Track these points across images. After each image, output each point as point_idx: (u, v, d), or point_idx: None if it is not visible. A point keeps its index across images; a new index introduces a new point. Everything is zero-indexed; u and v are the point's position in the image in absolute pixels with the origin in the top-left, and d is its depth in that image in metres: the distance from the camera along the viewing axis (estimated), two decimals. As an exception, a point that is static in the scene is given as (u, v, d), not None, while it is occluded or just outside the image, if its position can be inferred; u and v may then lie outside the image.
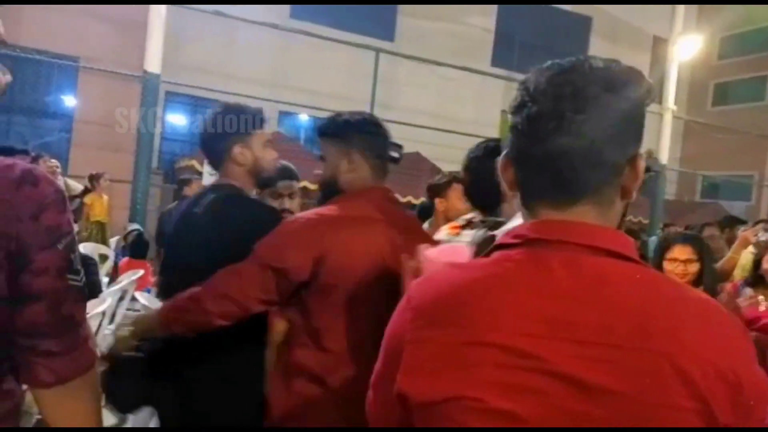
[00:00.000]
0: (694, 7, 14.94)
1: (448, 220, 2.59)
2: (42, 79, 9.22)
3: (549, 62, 0.78)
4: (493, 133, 11.24)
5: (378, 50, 9.30)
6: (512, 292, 0.71)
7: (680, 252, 2.57)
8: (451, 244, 1.79)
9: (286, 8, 11.67)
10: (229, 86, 9.47)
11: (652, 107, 13.35)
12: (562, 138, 0.72)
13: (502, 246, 0.77)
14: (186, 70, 9.55)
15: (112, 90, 8.63)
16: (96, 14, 8.84)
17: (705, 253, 2.60)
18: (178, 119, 11.91)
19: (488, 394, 0.67)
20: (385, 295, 1.36)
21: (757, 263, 2.80)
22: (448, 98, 12.45)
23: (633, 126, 0.75)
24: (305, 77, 11.26)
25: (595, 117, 0.71)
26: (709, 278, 2.57)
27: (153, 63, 7.23)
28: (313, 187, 9.64)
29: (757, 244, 2.97)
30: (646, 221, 11.05)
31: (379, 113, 8.70)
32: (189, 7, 8.56)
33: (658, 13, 13.43)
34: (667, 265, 2.58)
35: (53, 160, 7.04)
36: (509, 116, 0.78)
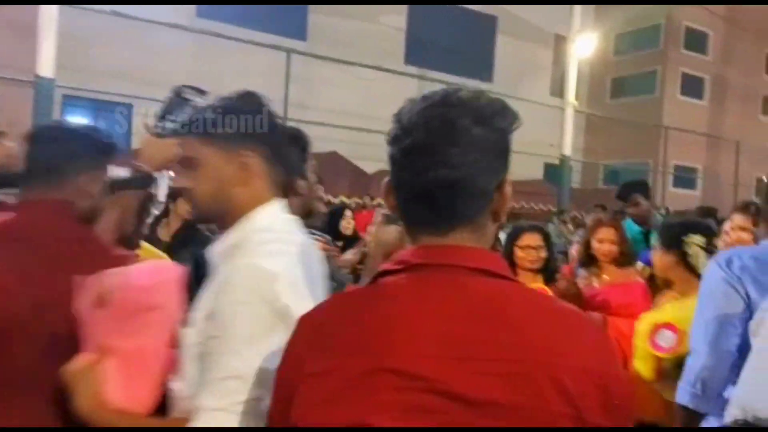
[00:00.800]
0: (591, 7, 15.86)
1: None
2: None
3: (420, 96, 0.82)
4: (409, 130, 11.44)
5: (289, 50, 9.20)
6: (402, 317, 0.74)
7: (530, 239, 2.76)
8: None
9: (192, 7, 11.30)
10: (138, 89, 9.05)
11: (555, 101, 14.10)
12: (437, 170, 0.76)
13: (386, 272, 0.80)
14: (89, 73, 9.03)
15: (4, 95, 8.01)
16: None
17: (549, 241, 2.84)
18: (79, 120, 11.24)
19: (387, 419, 0.70)
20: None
21: (587, 244, 2.98)
22: (364, 97, 12.52)
23: (501, 155, 0.80)
24: (218, 78, 10.95)
25: (467, 149, 0.76)
26: (553, 264, 2.87)
27: (46, 67, 6.78)
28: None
29: (589, 227, 3.22)
30: (554, 209, 11.64)
31: (294, 114, 8.70)
32: (82, 8, 8.09)
33: (559, 13, 14.14)
34: (519, 252, 2.74)
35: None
36: (388, 147, 0.82)
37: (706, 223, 2.26)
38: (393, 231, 2.02)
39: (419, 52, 14.26)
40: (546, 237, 2.84)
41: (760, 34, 18.47)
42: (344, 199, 10.70)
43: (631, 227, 3.76)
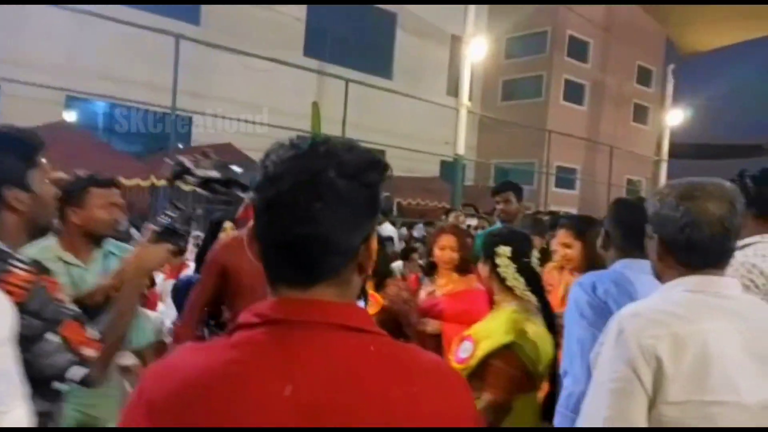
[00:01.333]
0: (484, 9, 16.53)
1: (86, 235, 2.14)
2: None
3: (289, 142, 0.77)
4: (307, 123, 11.30)
5: (179, 36, 8.71)
6: (257, 379, 0.70)
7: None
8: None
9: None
10: (15, 73, 8.22)
11: (450, 101, 14.54)
12: (300, 225, 0.73)
13: (242, 326, 0.76)
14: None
15: None
16: None
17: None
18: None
19: None
20: None
21: (429, 252, 3.04)
22: (261, 87, 12.20)
23: (369, 209, 0.77)
24: (102, 61, 10.20)
25: (331, 205, 0.73)
26: (386, 269, 3.19)
27: None
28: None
29: (431, 235, 3.40)
30: (449, 206, 12.03)
31: (185, 103, 8.28)
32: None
33: (455, 13, 14.59)
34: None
35: None
36: (252, 194, 0.78)
37: (522, 235, 2.21)
38: (161, 251, 1.62)
39: (319, 44, 14.14)
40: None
41: (633, 45, 20.19)
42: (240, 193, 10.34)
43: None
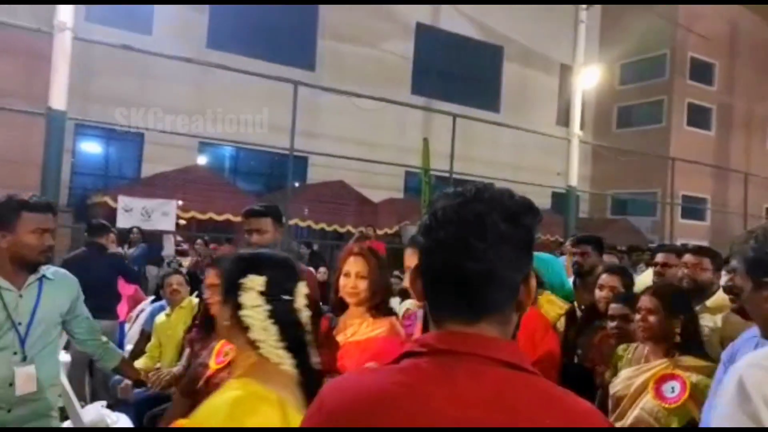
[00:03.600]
0: (595, 36, 16.08)
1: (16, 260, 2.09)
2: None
3: (453, 190, 0.88)
4: (415, 159, 11.48)
5: (296, 82, 9.31)
6: (422, 401, 0.77)
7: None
8: None
9: (202, 37, 11.53)
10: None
11: (560, 131, 14.12)
12: (469, 263, 0.81)
13: (409, 354, 0.84)
14: (99, 102, 9.17)
15: (17, 125, 8.15)
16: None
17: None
18: (91, 148, 11.40)
19: None
20: None
21: (336, 281, 2.45)
22: (371, 126, 12.63)
23: (526, 250, 0.85)
24: (225, 108, 11.10)
25: (495, 244, 0.81)
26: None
27: (58, 99, 6.90)
28: (222, 218, 9.45)
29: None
30: (562, 239, 11.59)
31: (301, 143, 8.77)
32: (97, 41, 8.27)
33: (563, 42, 14.31)
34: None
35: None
36: (420, 237, 0.87)
37: (284, 260, 1.39)
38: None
39: (426, 81, 14.42)
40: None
41: (762, 63, 18.58)
42: (351, 228, 10.70)
43: None
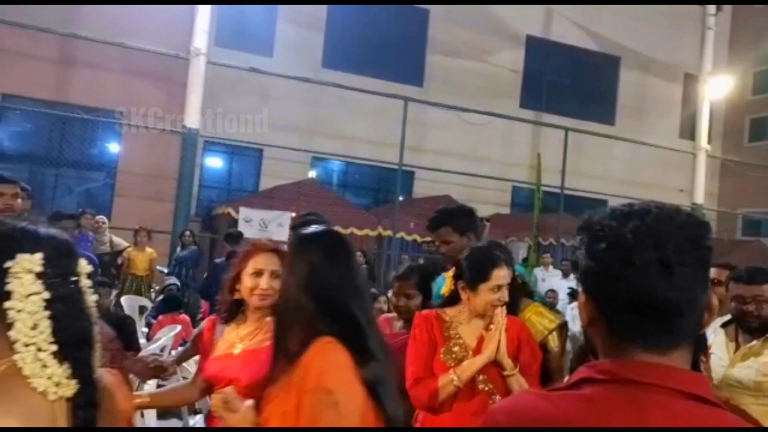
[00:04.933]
0: (724, 43, 14.92)
1: None
2: (88, 134, 9.70)
3: (619, 210, 0.83)
4: (523, 173, 11.27)
5: (406, 99, 9.54)
6: (608, 428, 0.74)
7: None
8: None
9: (317, 58, 12.12)
10: (267, 136, 9.84)
11: (684, 145, 13.21)
12: (668, 291, 0.77)
13: (588, 380, 0.80)
14: (224, 120, 9.94)
15: (154, 142, 9.02)
16: (140, 72, 9.33)
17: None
18: (216, 163, 12.34)
19: None
20: None
21: (233, 280, 2.17)
22: (477, 140, 12.58)
23: (708, 272, 0.82)
24: (338, 124, 11.57)
25: (691, 267, 0.78)
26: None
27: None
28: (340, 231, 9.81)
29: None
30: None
31: (409, 158, 8.95)
32: (226, 65, 9.00)
33: (687, 51, 13.44)
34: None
35: (100, 216, 7.34)
36: (585, 258, 0.82)
37: (61, 242, 1.07)
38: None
39: (535, 94, 14.12)
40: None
41: None
42: (456, 242, 10.66)
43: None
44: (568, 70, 14.60)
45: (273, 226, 9.10)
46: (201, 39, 7.63)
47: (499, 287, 2.17)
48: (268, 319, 1.87)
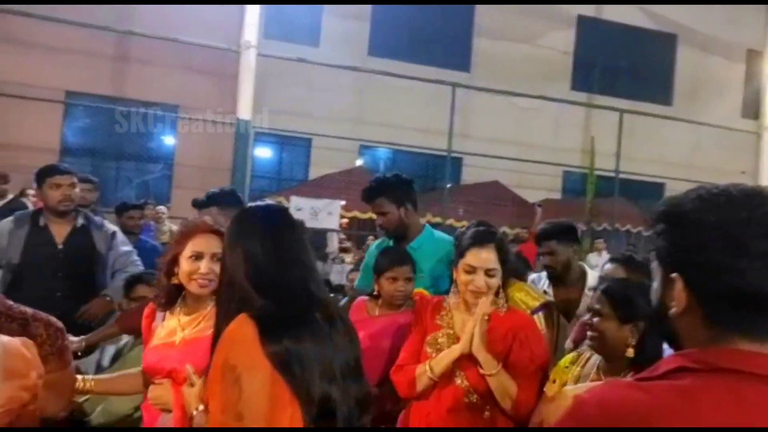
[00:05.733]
0: (791, 16, 14.09)
1: None
2: (145, 128, 10.09)
3: (716, 194, 0.80)
4: (574, 157, 11.02)
5: (454, 84, 9.46)
6: (707, 422, 0.71)
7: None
8: None
9: (364, 46, 12.14)
10: (315, 126, 9.96)
11: (748, 126, 12.62)
12: None
13: (682, 369, 0.77)
14: (273, 112, 10.12)
15: (207, 134, 9.29)
16: (193, 66, 9.61)
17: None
18: (266, 153, 12.59)
19: None
20: None
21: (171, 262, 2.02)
22: (527, 124, 12.36)
23: None
24: (385, 112, 11.59)
25: None
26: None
27: (244, 110, 7.75)
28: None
29: None
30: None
31: (457, 144, 8.91)
32: (275, 56, 9.15)
33: (751, 25, 12.77)
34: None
35: (160, 207, 7.66)
36: (679, 246, 0.80)
37: None
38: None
39: (587, 76, 13.72)
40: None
41: None
42: (507, 229, 10.57)
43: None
44: (622, 50, 14.11)
45: (323, 214, 9.23)
46: (251, 32, 7.80)
47: (474, 269, 1.98)
48: (212, 304, 1.71)
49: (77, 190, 3.32)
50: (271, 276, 1.37)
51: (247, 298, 1.35)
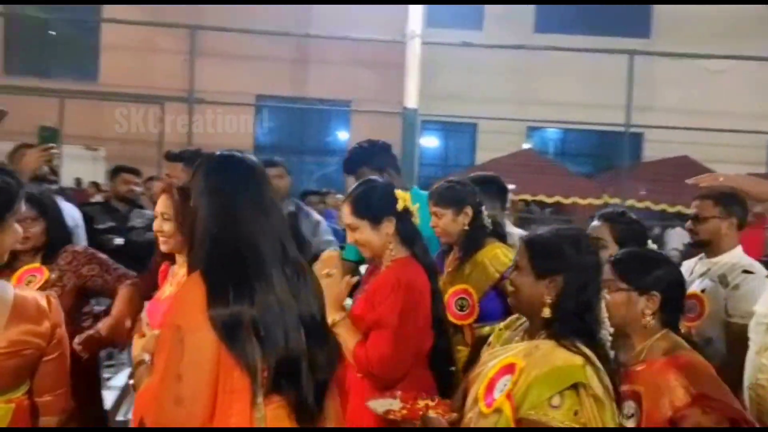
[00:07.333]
0: None
1: None
2: (323, 124, 10.95)
3: None
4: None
5: (632, 52, 8.74)
6: None
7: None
8: None
9: (529, 24, 11.73)
10: (481, 109, 9.91)
11: None
12: None
13: None
14: (437, 99, 10.26)
15: (377, 125, 9.73)
16: (361, 61, 10.12)
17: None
18: (432, 141, 12.82)
19: None
20: None
21: None
22: (718, 90, 11.00)
23: None
24: (551, 90, 11.12)
25: None
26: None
27: (411, 99, 7.97)
28: (553, 200, 9.46)
29: None
30: None
31: (635, 118, 8.30)
32: (440, 43, 9.26)
33: None
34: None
35: (339, 196, 8.26)
36: None
37: None
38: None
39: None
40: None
41: None
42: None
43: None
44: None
45: (491, 198, 9.19)
46: (415, 21, 7.95)
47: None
48: None
49: (285, 180, 3.55)
50: (227, 231, 1.35)
51: (203, 254, 1.34)
